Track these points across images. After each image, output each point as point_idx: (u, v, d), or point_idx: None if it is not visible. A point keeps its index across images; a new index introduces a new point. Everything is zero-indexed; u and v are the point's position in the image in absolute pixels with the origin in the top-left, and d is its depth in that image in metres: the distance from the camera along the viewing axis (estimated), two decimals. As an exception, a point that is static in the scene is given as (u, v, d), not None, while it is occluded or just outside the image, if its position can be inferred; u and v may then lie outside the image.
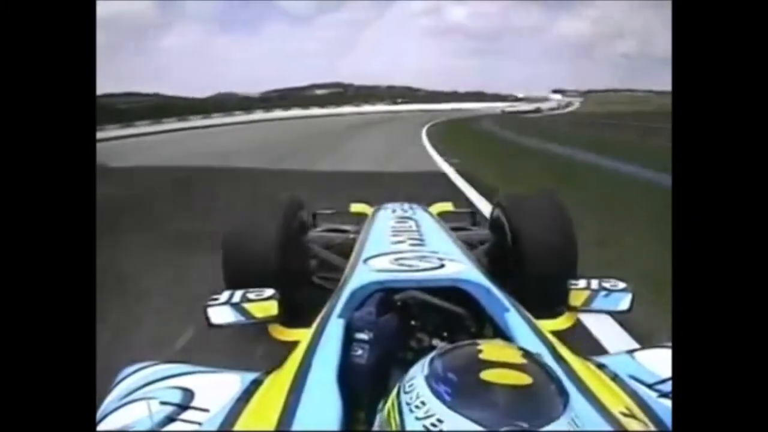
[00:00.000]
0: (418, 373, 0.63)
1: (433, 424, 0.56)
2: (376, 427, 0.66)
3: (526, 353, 0.65)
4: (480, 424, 0.54)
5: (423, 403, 0.59)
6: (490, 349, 0.64)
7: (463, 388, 0.58)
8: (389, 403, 0.64)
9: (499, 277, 1.69)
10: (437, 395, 0.58)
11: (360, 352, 1.01)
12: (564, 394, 0.59)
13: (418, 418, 0.58)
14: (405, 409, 0.60)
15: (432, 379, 0.60)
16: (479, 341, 0.67)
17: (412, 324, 1.20)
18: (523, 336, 1.08)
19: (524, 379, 0.59)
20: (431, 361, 0.64)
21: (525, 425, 0.54)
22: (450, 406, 0.57)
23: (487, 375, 0.59)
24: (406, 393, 0.62)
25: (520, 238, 2.28)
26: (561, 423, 0.55)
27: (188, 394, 0.95)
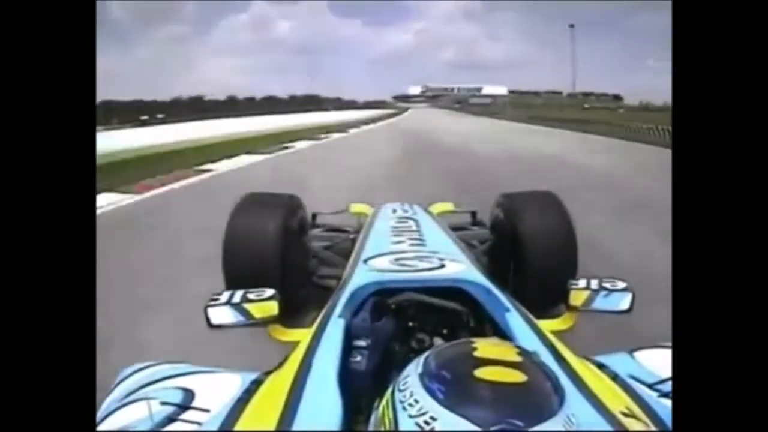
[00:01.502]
0: (412, 372, 0.62)
1: (426, 422, 0.56)
2: (371, 425, 0.66)
3: (522, 351, 0.65)
4: (473, 422, 0.54)
5: (416, 401, 0.58)
6: (485, 346, 0.64)
7: (456, 385, 0.58)
8: (384, 402, 0.64)
9: (499, 277, 1.69)
10: (430, 393, 0.58)
11: (359, 358, 1.00)
12: (560, 392, 0.59)
13: (411, 416, 0.57)
14: (399, 407, 0.59)
15: (426, 377, 0.60)
16: (475, 339, 0.67)
17: (410, 325, 1.19)
18: (522, 336, 1.08)
19: (519, 377, 0.58)
20: (426, 359, 0.64)
21: (519, 423, 0.53)
22: (443, 404, 0.56)
23: (481, 373, 0.58)
24: (400, 391, 0.61)
25: (520, 237, 2.28)
26: (556, 421, 0.54)
27: (189, 394, 0.95)
